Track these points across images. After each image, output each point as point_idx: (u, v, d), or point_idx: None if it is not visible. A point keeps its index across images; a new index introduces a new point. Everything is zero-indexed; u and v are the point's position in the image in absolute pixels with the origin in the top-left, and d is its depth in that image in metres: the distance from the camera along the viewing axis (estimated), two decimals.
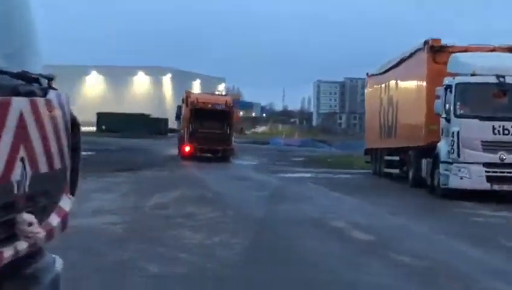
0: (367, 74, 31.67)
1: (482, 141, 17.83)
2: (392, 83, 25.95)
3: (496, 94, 18.07)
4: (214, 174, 24.63)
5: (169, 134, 61.02)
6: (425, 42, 21.01)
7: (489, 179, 17.76)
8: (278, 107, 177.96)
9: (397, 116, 24.97)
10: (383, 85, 27.46)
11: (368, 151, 30.24)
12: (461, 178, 17.81)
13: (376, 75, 29.36)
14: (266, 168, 29.36)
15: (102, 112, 78.46)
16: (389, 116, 25.99)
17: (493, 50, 20.67)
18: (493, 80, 17.97)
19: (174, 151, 36.18)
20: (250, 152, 44.18)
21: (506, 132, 17.72)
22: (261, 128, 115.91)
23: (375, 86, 29.55)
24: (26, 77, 3.39)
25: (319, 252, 9.95)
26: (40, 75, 3.62)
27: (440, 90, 18.89)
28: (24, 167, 3.19)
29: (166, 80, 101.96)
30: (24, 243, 3.23)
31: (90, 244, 9.71)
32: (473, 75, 18.16)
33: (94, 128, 75.49)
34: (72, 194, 4.08)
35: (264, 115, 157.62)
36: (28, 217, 3.19)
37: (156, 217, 12.65)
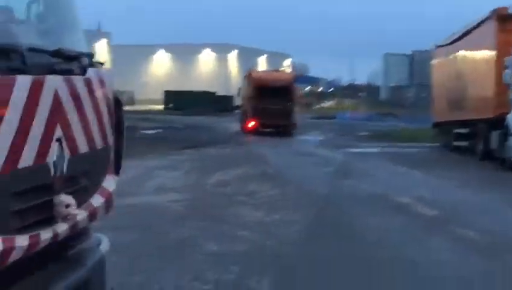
0: (434, 45, 30.94)
1: None
2: (460, 54, 25.27)
3: None
4: (278, 150, 24.52)
5: (235, 111, 61.12)
6: (493, 11, 20.34)
7: None
8: (345, 81, 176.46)
9: (465, 87, 24.33)
10: (450, 56, 26.78)
11: (436, 125, 29.64)
12: None
13: (443, 46, 28.65)
14: (331, 143, 29.08)
15: (169, 90, 79.21)
16: (457, 88, 25.35)
17: None
18: None
19: (238, 128, 36.50)
20: (316, 127, 43.88)
21: None
22: (327, 103, 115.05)
23: (442, 58, 28.85)
24: (63, 55, 3.31)
25: (382, 228, 9.74)
26: (79, 52, 3.53)
27: (509, 60, 18.27)
28: (61, 148, 3.12)
29: (232, 56, 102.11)
30: (64, 225, 3.18)
31: (152, 222, 9.75)
32: None
33: (162, 106, 76.35)
34: (117, 174, 4.00)
35: (331, 89, 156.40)
36: (65, 198, 3.12)
37: (218, 194, 12.63)
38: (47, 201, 3.03)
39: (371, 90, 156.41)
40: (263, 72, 41.86)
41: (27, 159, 2.83)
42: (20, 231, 2.83)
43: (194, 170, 16.66)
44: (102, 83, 3.70)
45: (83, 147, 3.36)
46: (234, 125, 39.84)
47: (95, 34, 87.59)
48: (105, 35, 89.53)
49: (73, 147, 3.24)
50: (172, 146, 24.39)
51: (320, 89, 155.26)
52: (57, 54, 3.25)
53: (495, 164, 19.30)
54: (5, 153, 2.68)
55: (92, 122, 3.49)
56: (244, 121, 35.01)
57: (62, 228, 3.16)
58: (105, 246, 3.92)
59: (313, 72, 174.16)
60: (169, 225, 9.46)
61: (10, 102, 2.72)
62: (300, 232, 9.21)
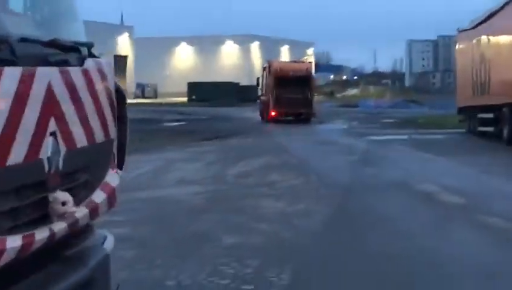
0: (458, 30, 30.50)
1: None
2: (484, 37, 24.86)
3: None
4: (300, 139, 24.34)
5: (258, 101, 61.01)
6: None
7: None
8: (369, 69, 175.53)
9: (490, 72, 23.93)
10: (475, 40, 26.36)
11: (461, 110, 29.25)
12: None
13: (467, 30, 28.22)
14: (355, 132, 28.84)
15: (192, 82, 79.38)
16: (482, 72, 24.96)
17: None
18: None
19: (266, 120, 36.56)
20: (339, 115, 43.64)
21: None
22: (352, 91, 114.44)
23: (466, 42, 28.44)
24: (58, 45, 3.16)
25: (404, 218, 9.54)
26: (76, 42, 3.38)
27: None
28: (56, 142, 2.97)
29: (255, 47, 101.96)
30: (61, 224, 3.04)
31: (170, 215, 9.65)
32: None
33: (185, 98, 76.48)
34: (120, 168, 3.86)
35: (355, 77, 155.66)
36: (61, 195, 2.98)
37: (238, 186, 12.49)
38: (41, 199, 2.90)
39: (395, 77, 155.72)
40: (283, 62, 43.88)
41: (18, 154, 2.69)
42: (12, 230, 2.70)
43: (215, 161, 16.55)
44: (102, 74, 3.55)
45: (81, 141, 3.22)
46: (257, 115, 39.75)
47: (117, 28, 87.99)
48: (128, 28, 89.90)
49: (70, 142, 3.10)
50: (194, 137, 24.33)
51: (344, 77, 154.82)
52: (52, 44, 3.11)
53: None
54: None
55: (91, 115, 3.34)
56: (264, 110, 36.80)
57: (59, 226, 3.02)
58: (109, 243, 3.77)
59: (336, 60, 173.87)
60: (187, 218, 9.34)
61: None
62: (320, 223, 9.03)
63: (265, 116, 36.03)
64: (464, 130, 27.88)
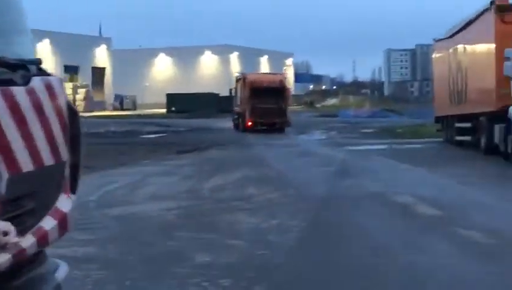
0: (434, 39, 30.56)
1: None
2: (460, 47, 24.89)
3: None
4: (279, 151, 24.20)
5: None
6: (492, 2, 19.96)
7: None
8: (348, 78, 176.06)
9: (466, 81, 23.94)
10: (451, 50, 26.40)
11: (438, 119, 29.26)
12: None
13: (443, 40, 28.27)
14: (333, 142, 28.76)
15: (171, 93, 79.08)
16: (458, 81, 24.97)
17: None
18: None
19: (249, 131, 36.70)
20: (318, 125, 43.60)
21: None
22: (331, 101, 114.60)
23: (442, 51, 28.49)
24: (1, 63, 2.96)
25: (381, 232, 9.39)
26: (22, 60, 3.18)
27: (509, 51, 17.89)
28: None
29: (234, 58, 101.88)
30: (4, 255, 2.83)
31: (141, 232, 9.42)
32: None
33: (165, 110, 76.15)
34: (73, 192, 3.64)
35: (334, 87, 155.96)
36: (2, 225, 2.77)
37: (213, 200, 12.28)
38: None
39: (374, 86, 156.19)
40: (257, 74, 46.13)
41: None
42: None
43: (191, 175, 16.33)
44: (51, 92, 3.34)
45: (26, 166, 3.01)
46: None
47: (95, 40, 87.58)
48: (106, 40, 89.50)
49: (13, 166, 2.90)
50: (171, 150, 24.11)
51: (323, 87, 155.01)
52: None
53: (499, 158, 18.90)
54: None
55: (38, 136, 3.14)
56: (238, 120, 38.70)
57: (2, 258, 2.81)
58: (62, 272, 3.56)
59: (315, 70, 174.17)
60: (158, 236, 9.12)
61: None
62: (295, 239, 8.85)
63: (240, 126, 37.58)
64: (441, 140, 27.87)
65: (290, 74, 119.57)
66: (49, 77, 3.41)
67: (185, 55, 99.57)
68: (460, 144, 24.59)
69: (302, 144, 28.12)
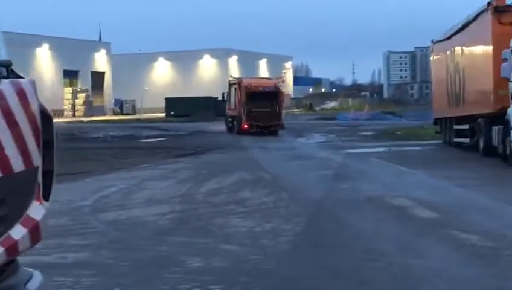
0: (432, 41, 30.45)
1: None
2: (457, 48, 24.78)
3: None
4: (276, 154, 24.08)
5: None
6: (489, 3, 19.84)
7: None
8: (348, 81, 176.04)
9: (464, 82, 23.82)
10: (448, 51, 26.28)
11: (437, 121, 29.14)
12: None
13: (440, 41, 28.16)
14: (332, 145, 28.63)
15: (170, 97, 78.92)
16: (456, 83, 24.85)
17: None
18: None
19: (244, 134, 36.84)
20: (317, 128, 43.47)
21: None
22: (330, 104, 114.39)
23: (440, 53, 28.38)
24: None
25: (376, 235, 9.25)
26: None
27: (507, 52, 17.78)
28: None
29: (233, 61, 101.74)
30: None
31: (134, 237, 9.31)
32: None
33: (164, 114, 76.00)
34: (46, 199, 3.50)
35: (334, 90, 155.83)
36: None
37: (208, 204, 12.15)
38: None
39: (374, 89, 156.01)
40: (252, 79, 46.77)
41: None
42: None
43: (187, 179, 16.20)
44: (21, 95, 3.22)
45: None
46: (234, 131, 39.55)
47: (94, 44, 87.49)
48: (105, 45, 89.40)
49: None
50: (169, 154, 24.00)
51: (323, 90, 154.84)
52: None
53: (497, 160, 18.77)
54: None
55: (6, 141, 3.02)
56: (232, 123, 39.98)
57: None
58: (35, 283, 3.42)
59: (315, 73, 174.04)
60: (151, 241, 9.00)
61: None
62: (289, 243, 8.73)
63: (235, 129, 38.59)
64: (440, 142, 27.74)
65: (289, 77, 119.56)
66: (20, 80, 3.29)
67: (184, 59, 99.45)
68: (459, 146, 24.47)
69: (299, 147, 27.99)
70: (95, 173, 17.80)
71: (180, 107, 73.24)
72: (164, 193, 13.60)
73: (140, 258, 8.02)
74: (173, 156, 23.19)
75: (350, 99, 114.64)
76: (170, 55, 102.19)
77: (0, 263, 3.00)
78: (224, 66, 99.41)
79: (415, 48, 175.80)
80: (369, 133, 38.02)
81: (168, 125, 51.27)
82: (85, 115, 73.08)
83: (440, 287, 6.59)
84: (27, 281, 3.35)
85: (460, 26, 24.22)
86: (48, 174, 3.50)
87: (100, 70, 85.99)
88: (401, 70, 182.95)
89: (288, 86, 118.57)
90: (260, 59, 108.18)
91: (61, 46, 76.90)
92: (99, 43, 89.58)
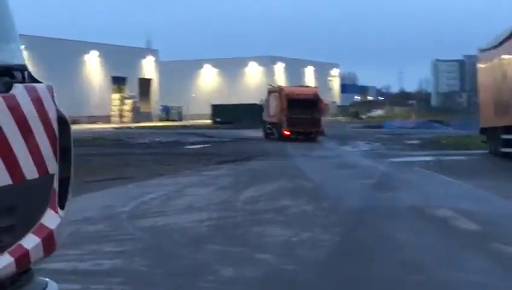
0: (479, 49, 29.88)
1: None
2: (505, 56, 24.22)
3: None
4: (318, 162, 23.84)
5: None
6: None
7: None
8: (395, 89, 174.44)
9: None
10: (496, 60, 25.73)
11: (483, 131, 28.54)
12: None
13: (488, 50, 27.59)
14: (376, 153, 28.25)
15: (216, 104, 79.17)
16: (504, 92, 24.28)
17: None
18: None
19: (285, 141, 36.81)
20: (362, 136, 43.04)
21: None
22: (377, 112, 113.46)
23: (488, 61, 27.79)
24: None
25: (417, 247, 9.01)
26: (3, 65, 2.97)
27: None
28: None
29: (279, 68, 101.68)
30: None
31: (169, 245, 9.22)
32: None
33: (209, 121, 76.28)
34: (62, 207, 3.40)
35: (380, 98, 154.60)
36: None
37: (246, 212, 12.01)
38: None
39: (421, 97, 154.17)
40: (293, 87, 48.20)
41: None
42: None
43: (227, 186, 16.10)
44: (37, 100, 3.13)
45: (3, 179, 2.81)
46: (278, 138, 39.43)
47: (142, 51, 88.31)
48: (152, 52, 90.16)
49: None
50: (211, 161, 23.95)
51: (369, 98, 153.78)
52: None
53: None
54: None
55: (18, 147, 2.93)
56: (271, 130, 41.12)
57: None
58: None
59: (362, 81, 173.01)
60: (187, 248, 8.90)
61: None
62: (326, 254, 8.55)
63: (275, 136, 39.68)
64: (486, 151, 27.17)
65: (335, 85, 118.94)
66: (36, 85, 3.20)
67: (230, 66, 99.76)
68: (506, 156, 23.90)
69: (343, 155, 27.68)
70: (137, 179, 17.82)
71: (225, 114, 73.44)
72: (203, 200, 13.52)
73: (174, 266, 7.94)
74: (215, 163, 23.13)
75: (396, 107, 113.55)
76: (216, 62, 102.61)
77: (10, 274, 2.91)
78: (269, 73, 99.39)
79: (464, 56, 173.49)
80: (415, 141, 37.48)
81: (213, 132, 51.38)
82: (132, 121, 73.72)
83: None
84: None
85: (508, 33, 23.69)
86: (64, 182, 3.41)
87: (147, 76, 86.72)
88: (449, 78, 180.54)
89: (335, 94, 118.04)
90: (306, 66, 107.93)
91: (109, 53, 77.78)
92: (146, 50, 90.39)
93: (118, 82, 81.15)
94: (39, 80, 3.32)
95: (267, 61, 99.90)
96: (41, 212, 3.19)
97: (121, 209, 12.34)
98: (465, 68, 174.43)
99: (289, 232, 9.92)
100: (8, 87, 2.94)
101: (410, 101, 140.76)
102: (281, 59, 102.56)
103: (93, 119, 69.81)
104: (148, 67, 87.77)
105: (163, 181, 17.55)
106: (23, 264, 3.02)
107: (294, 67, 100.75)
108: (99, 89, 77.21)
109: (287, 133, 38.35)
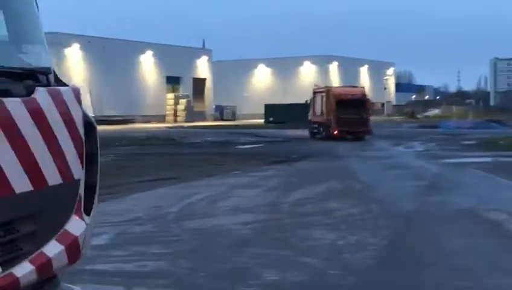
0: None
1: None
2: None
3: None
4: (370, 163, 23.50)
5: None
6: None
7: None
8: (453, 88, 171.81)
9: None
10: None
11: None
12: None
13: None
14: (430, 154, 27.74)
15: (269, 104, 79.07)
16: None
17: None
18: None
19: (334, 140, 36.79)
20: (417, 136, 42.38)
21: None
22: (433, 111, 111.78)
23: None
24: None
25: (463, 252, 8.75)
26: (25, 69, 2.91)
27: None
28: None
29: (333, 67, 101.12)
30: None
31: (214, 247, 9.16)
32: None
33: (262, 120, 76.25)
34: (88, 213, 3.33)
35: (438, 97, 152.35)
36: None
37: (292, 214, 11.88)
38: None
39: (479, 96, 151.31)
40: (341, 88, 49.30)
41: None
42: None
43: (276, 187, 15.99)
44: (60, 104, 3.07)
45: (23, 185, 2.75)
46: (330, 139, 39.13)
47: (196, 51, 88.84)
48: (207, 52, 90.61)
49: (4, 187, 2.63)
50: (262, 161, 23.84)
51: (426, 97, 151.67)
52: None
53: None
54: None
55: (40, 153, 2.87)
56: (318, 129, 41.75)
57: None
58: None
59: (418, 80, 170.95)
60: (231, 251, 8.83)
61: None
62: (373, 258, 8.37)
63: (323, 135, 40.15)
64: None
65: (390, 84, 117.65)
66: (60, 88, 3.14)
67: (285, 66, 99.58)
68: None
69: (396, 156, 27.26)
70: (187, 179, 17.84)
71: (278, 114, 73.23)
72: (250, 201, 13.44)
73: (218, 269, 7.87)
74: (266, 163, 23.03)
75: (454, 107, 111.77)
76: (270, 62, 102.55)
77: (30, 282, 2.85)
78: (324, 72, 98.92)
79: None
80: (472, 142, 36.70)
81: (265, 132, 51.29)
82: (186, 121, 74.19)
83: None
84: None
85: None
86: (90, 188, 3.34)
87: (201, 76, 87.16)
88: (509, 77, 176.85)
89: (390, 93, 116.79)
90: (361, 65, 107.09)
91: (164, 53, 78.42)
92: (201, 50, 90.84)
93: (172, 82, 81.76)
94: (65, 82, 3.26)
95: (322, 61, 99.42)
96: (65, 218, 3.13)
97: (168, 209, 12.35)
98: None
99: (335, 236, 9.76)
100: (31, 91, 2.89)
101: (468, 101, 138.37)
102: (336, 58, 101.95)
103: (147, 119, 70.51)
104: (202, 67, 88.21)
105: (213, 182, 17.52)
106: (45, 272, 2.96)
107: (349, 67, 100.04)
108: (154, 88, 77.92)
109: (336, 132, 39.01)
